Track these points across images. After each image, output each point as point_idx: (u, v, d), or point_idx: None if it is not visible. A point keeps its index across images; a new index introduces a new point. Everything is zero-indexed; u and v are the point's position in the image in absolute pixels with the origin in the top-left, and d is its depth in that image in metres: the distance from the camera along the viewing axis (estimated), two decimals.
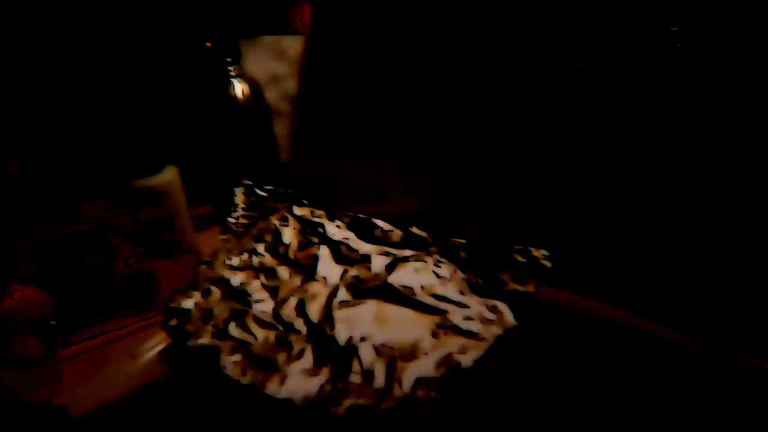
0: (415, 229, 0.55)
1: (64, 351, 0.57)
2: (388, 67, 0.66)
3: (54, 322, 0.56)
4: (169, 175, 0.62)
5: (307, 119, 0.76)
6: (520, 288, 0.44)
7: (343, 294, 0.51)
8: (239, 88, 0.74)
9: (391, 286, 0.51)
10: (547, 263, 0.47)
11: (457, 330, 0.46)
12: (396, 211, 0.62)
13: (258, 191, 0.59)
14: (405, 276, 0.51)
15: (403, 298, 0.50)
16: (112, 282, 0.70)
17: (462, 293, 0.49)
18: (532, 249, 0.48)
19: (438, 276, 0.51)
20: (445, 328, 0.46)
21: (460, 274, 0.51)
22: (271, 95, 0.77)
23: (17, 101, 0.71)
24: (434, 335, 0.46)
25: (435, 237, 0.54)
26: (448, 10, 0.64)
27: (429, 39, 0.66)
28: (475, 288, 0.49)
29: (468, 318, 0.47)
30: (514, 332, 0.44)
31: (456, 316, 0.47)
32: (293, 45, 0.75)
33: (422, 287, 0.50)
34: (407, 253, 0.54)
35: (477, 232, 0.57)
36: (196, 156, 0.75)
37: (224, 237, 0.56)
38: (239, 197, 0.58)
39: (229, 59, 0.72)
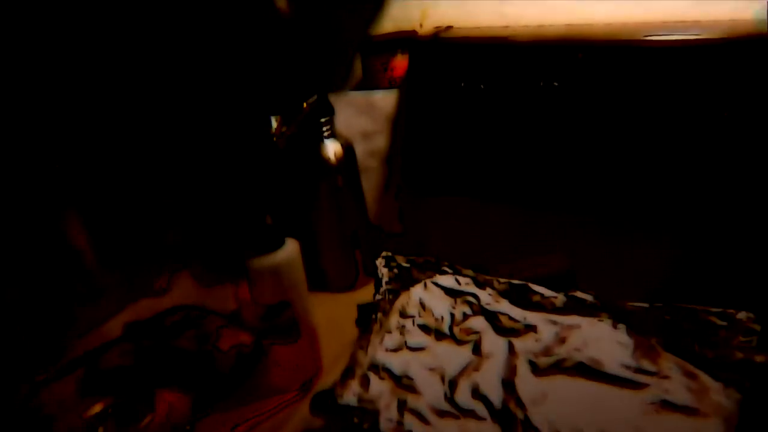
0: (579, 293, 0.52)
1: None
2: (503, 111, 0.63)
3: (189, 427, 0.50)
4: (290, 250, 0.57)
5: (405, 176, 0.73)
6: (759, 359, 0.41)
7: (522, 371, 0.47)
8: (331, 149, 0.70)
9: (572, 358, 0.47)
10: (756, 326, 0.44)
11: (669, 406, 0.42)
12: (518, 274, 0.58)
13: (400, 262, 0.55)
14: (583, 346, 0.48)
15: (590, 371, 0.46)
16: (213, 368, 0.64)
17: (654, 362, 0.46)
18: (733, 310, 0.45)
19: (621, 344, 0.48)
20: (655, 404, 0.43)
21: (644, 341, 0.48)
22: (360, 152, 0.73)
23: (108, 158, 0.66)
24: (647, 413, 0.42)
25: (603, 300, 0.51)
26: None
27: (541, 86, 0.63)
28: (677, 354, 0.46)
29: (674, 390, 0.43)
30: (743, 404, 0.40)
31: (659, 389, 0.44)
32: (383, 100, 0.72)
33: (607, 357, 0.47)
34: (576, 320, 0.50)
35: (629, 290, 0.55)
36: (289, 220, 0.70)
37: (373, 316, 0.52)
38: (381, 270, 0.54)
39: (323, 119, 0.68)
